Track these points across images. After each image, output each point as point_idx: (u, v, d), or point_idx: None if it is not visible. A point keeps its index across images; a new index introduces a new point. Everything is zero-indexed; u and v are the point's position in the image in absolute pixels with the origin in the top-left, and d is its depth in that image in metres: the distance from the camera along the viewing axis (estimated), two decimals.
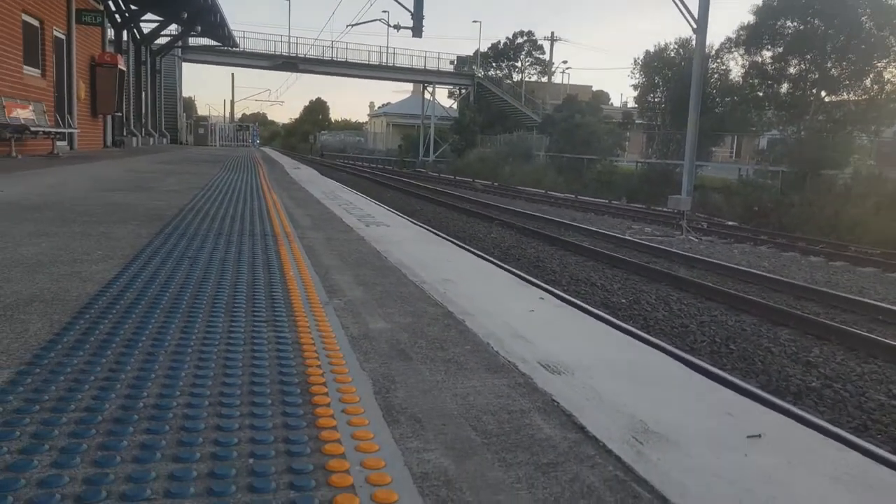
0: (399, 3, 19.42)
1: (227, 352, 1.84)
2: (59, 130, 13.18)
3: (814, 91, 25.37)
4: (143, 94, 23.12)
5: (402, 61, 46.14)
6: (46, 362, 1.69)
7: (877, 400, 4.61)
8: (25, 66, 12.13)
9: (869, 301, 7.55)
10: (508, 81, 51.68)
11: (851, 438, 3.19)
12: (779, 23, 25.38)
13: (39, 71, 12.98)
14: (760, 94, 26.87)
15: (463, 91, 49.34)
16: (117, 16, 19.91)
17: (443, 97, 54.97)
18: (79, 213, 4.53)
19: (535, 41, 54.35)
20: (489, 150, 38.44)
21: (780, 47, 25.56)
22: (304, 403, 1.51)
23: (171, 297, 2.40)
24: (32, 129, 11.34)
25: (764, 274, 9.06)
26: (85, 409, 1.42)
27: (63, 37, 14.31)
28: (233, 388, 1.57)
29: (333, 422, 1.42)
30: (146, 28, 22.85)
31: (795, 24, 25.05)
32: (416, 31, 17.31)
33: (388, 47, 49.91)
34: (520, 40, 54.55)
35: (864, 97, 24.68)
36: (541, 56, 54.69)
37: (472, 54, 51.10)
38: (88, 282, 2.57)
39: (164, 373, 1.65)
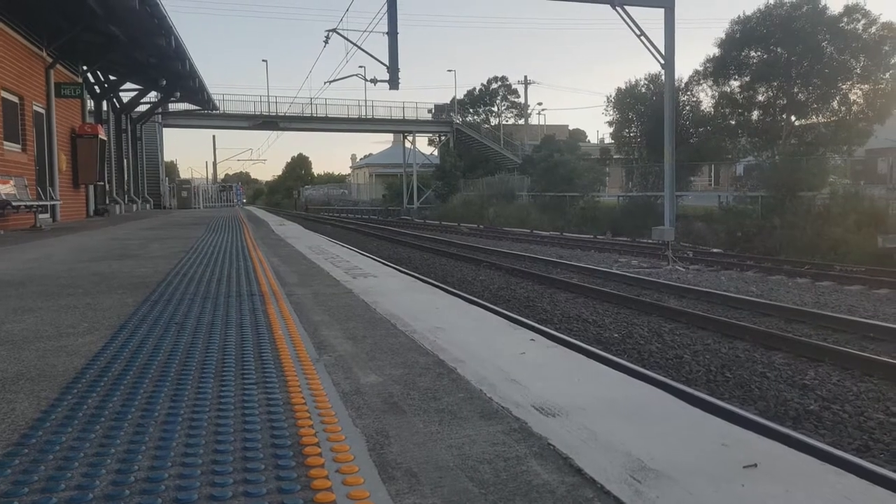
0: (374, 58, 19.89)
1: (218, 417, 1.82)
2: (42, 203, 13.18)
3: (784, 116, 26.07)
4: (125, 161, 23.27)
5: (381, 113, 46.99)
6: (35, 441, 1.66)
7: (876, 419, 4.59)
8: (6, 142, 12.20)
9: (859, 319, 7.60)
10: (486, 126, 52.65)
11: (850, 459, 3.17)
12: (743, 53, 26.23)
13: (20, 146, 13.06)
14: (732, 122, 27.55)
15: (443, 138, 50.13)
16: (96, 87, 20.20)
17: (423, 145, 55.78)
18: (63, 286, 4.51)
19: (510, 85, 55.69)
20: (472, 194, 38.85)
21: (746, 76, 26.36)
22: (297, 465, 1.49)
23: (159, 366, 2.38)
24: (14, 203, 11.33)
25: (753, 299, 9.12)
26: (76, 487, 1.40)
27: (43, 111, 14.46)
28: (225, 455, 1.55)
29: (328, 483, 1.40)
30: (126, 97, 23.16)
31: (759, 53, 25.90)
32: (393, 83, 17.66)
33: (366, 100, 50.91)
34: (494, 85, 55.85)
35: (832, 119, 25.38)
36: (516, 99, 55.98)
37: (449, 102, 52.14)
38: (75, 355, 2.55)
39: (155, 444, 1.63)
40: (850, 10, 24.53)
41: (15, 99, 12.90)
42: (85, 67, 18.15)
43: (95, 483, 1.41)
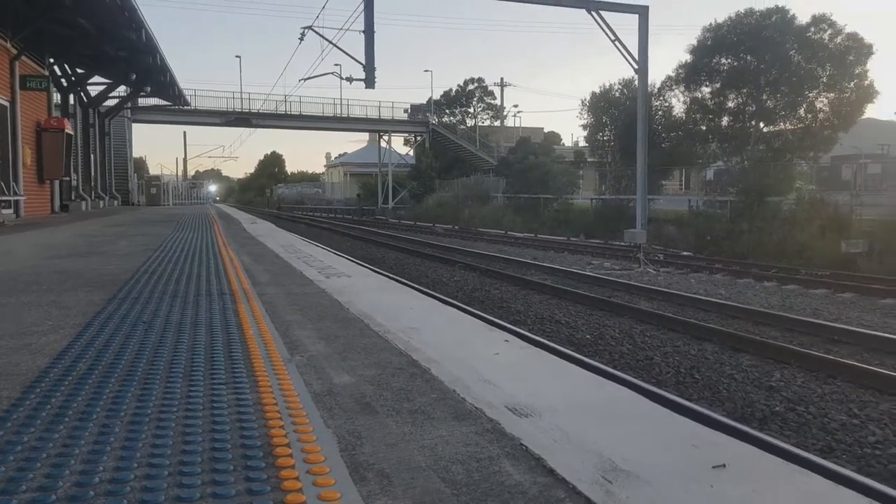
0: (350, 57, 19.77)
1: (186, 418, 1.79)
2: (4, 198, 12.84)
3: (752, 122, 26.62)
4: (92, 156, 22.78)
5: (357, 111, 46.66)
6: None
7: (839, 420, 4.69)
8: None
9: (823, 322, 7.78)
10: (462, 127, 52.71)
11: (815, 460, 3.24)
12: (714, 60, 26.72)
13: None
14: (703, 127, 28.03)
15: (418, 138, 50.06)
16: (63, 80, 19.74)
17: (399, 144, 55.64)
18: (27, 283, 4.39)
19: (486, 87, 55.80)
20: (448, 195, 38.87)
21: (717, 83, 26.86)
22: (267, 467, 1.47)
23: (126, 365, 2.33)
24: None
25: (721, 301, 9.27)
26: (37, 488, 1.36)
27: (7, 103, 14.07)
28: (193, 456, 1.53)
29: (299, 484, 1.39)
30: (94, 90, 22.66)
31: (730, 60, 26.41)
32: (369, 82, 17.54)
33: (341, 99, 50.38)
34: (471, 87, 55.93)
35: (799, 126, 26.00)
36: (492, 101, 56.11)
37: (425, 102, 52.07)
38: (38, 354, 2.48)
39: (121, 444, 1.60)
40: (817, 21, 25.16)
41: None
42: (52, 60, 17.73)
43: (58, 484, 1.38)
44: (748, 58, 25.71)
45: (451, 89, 56.16)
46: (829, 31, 25.00)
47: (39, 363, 2.35)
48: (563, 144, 58.19)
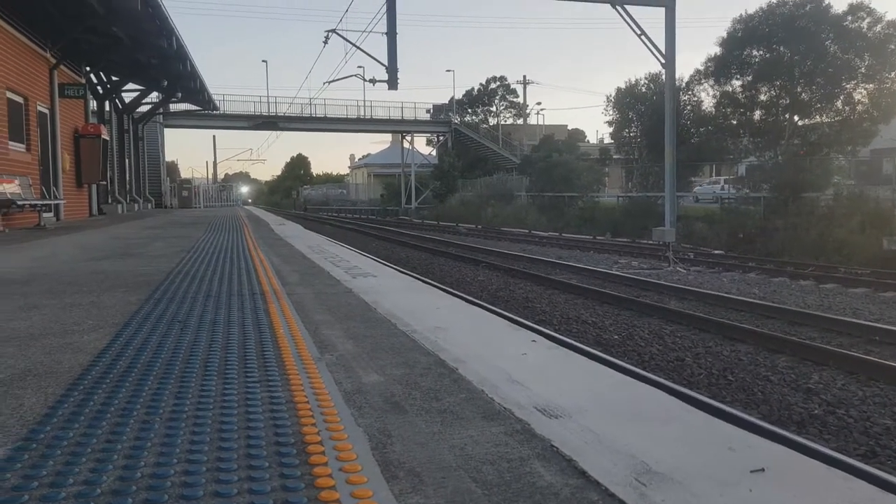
0: (373, 59, 19.87)
1: (221, 415, 1.83)
2: (45, 202, 13.20)
3: (786, 116, 26.00)
4: (127, 161, 23.30)
5: (380, 113, 46.98)
6: (43, 437, 1.67)
7: (882, 424, 4.52)
8: (11, 142, 12.22)
9: (864, 322, 7.53)
10: (485, 125, 52.62)
11: (858, 466, 3.16)
12: (745, 52, 26.14)
13: (24, 146, 13.08)
14: (734, 122, 27.46)
15: (441, 138, 50.10)
16: (99, 87, 20.23)
17: (422, 145, 55.75)
18: (67, 284, 4.52)
19: (509, 85, 55.61)
20: (471, 194, 38.83)
21: (748, 76, 26.27)
22: (301, 464, 1.50)
23: (163, 363, 2.38)
24: (19, 203, 11.34)
25: (755, 301, 9.08)
26: (83, 482, 1.41)
27: (47, 111, 14.48)
28: (229, 453, 1.56)
29: (332, 481, 1.41)
30: (128, 97, 23.21)
31: (761, 52, 25.82)
32: (392, 83, 17.63)
33: (365, 100, 50.83)
34: (493, 85, 55.78)
35: (836, 119, 25.28)
36: (515, 99, 55.90)
37: (447, 102, 52.10)
38: (80, 352, 2.56)
39: (161, 440, 1.64)
40: (854, 9, 24.42)
41: (20, 99, 12.92)
42: (88, 68, 18.17)
43: (102, 478, 1.42)
44: (781, 49, 25.10)
45: (473, 88, 56.18)
46: (867, 20, 24.24)
47: (82, 361, 2.42)
48: (588, 142, 57.68)
